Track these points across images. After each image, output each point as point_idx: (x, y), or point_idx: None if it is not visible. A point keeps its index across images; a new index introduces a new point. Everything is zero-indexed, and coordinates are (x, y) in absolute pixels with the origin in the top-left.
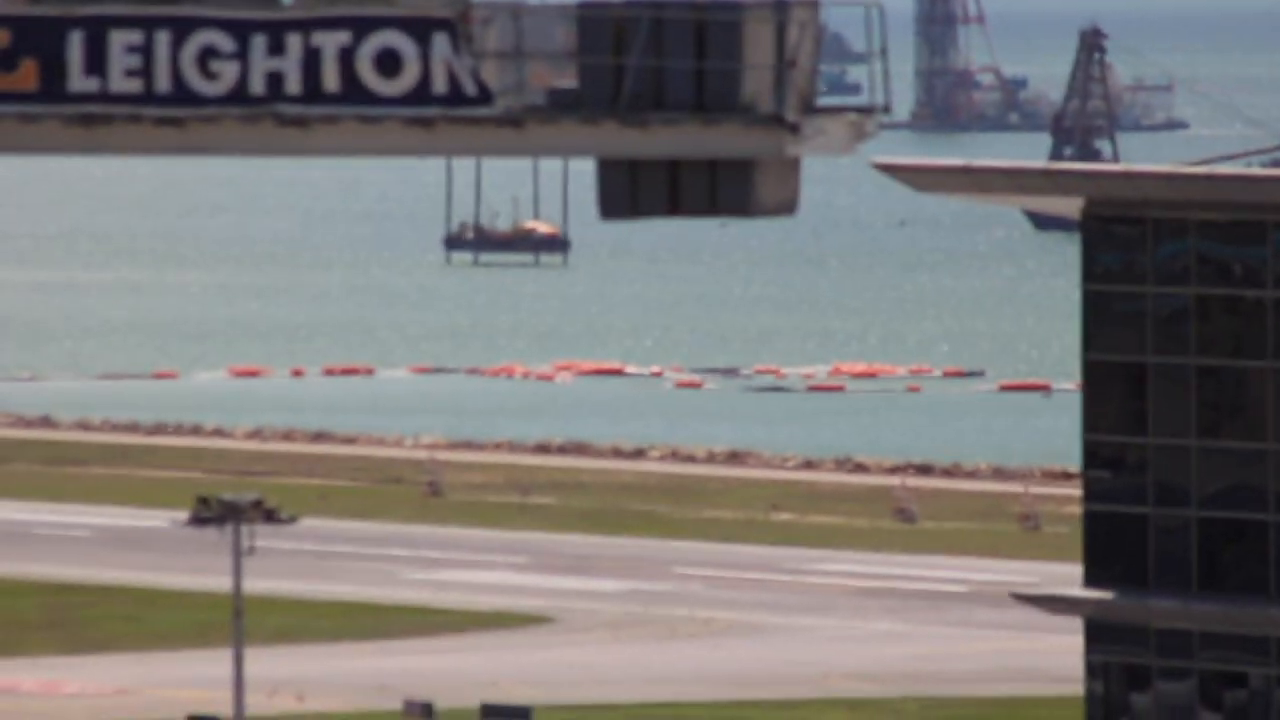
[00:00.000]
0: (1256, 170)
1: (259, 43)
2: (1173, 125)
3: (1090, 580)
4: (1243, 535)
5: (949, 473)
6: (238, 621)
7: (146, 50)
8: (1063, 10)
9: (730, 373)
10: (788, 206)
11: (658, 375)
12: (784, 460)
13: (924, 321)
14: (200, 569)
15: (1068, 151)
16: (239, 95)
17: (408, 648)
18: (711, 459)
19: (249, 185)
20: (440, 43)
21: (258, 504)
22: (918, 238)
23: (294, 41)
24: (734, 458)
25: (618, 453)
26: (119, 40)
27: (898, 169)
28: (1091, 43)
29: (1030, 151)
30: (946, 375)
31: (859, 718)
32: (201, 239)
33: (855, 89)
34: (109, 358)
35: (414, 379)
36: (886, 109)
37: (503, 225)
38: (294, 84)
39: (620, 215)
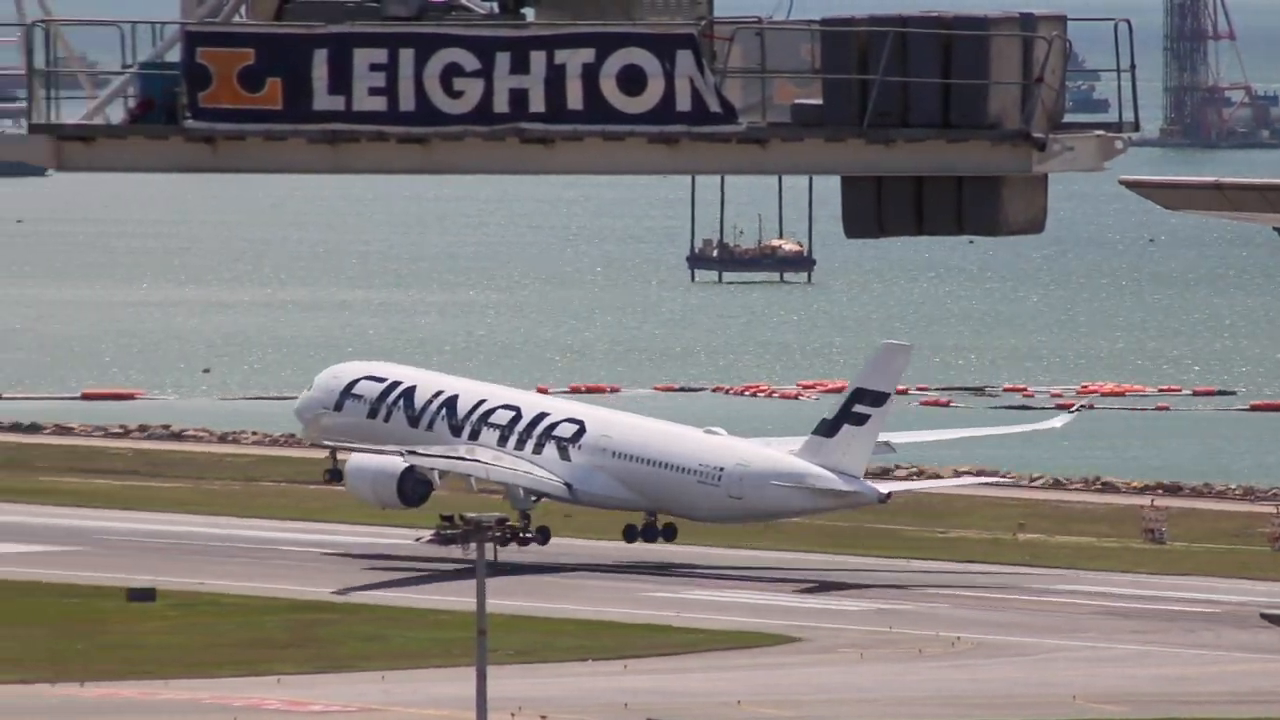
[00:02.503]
0: None
1: (503, 60)
2: None
3: None
4: None
5: (1199, 493)
6: (481, 640)
7: (390, 68)
8: None
9: (977, 391)
10: (1035, 224)
11: (902, 393)
12: (1031, 480)
13: (1174, 340)
14: (444, 588)
15: None
16: (483, 113)
17: (651, 667)
18: (958, 478)
19: (497, 203)
20: (683, 60)
21: (501, 522)
22: (1167, 256)
23: (538, 59)
24: (979, 476)
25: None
26: (363, 58)
27: (1147, 186)
28: None
29: None
30: (1196, 394)
31: None
32: (451, 257)
33: (1103, 105)
34: None
35: (658, 398)
36: (1135, 126)
37: (747, 243)
38: (538, 101)
39: (865, 234)
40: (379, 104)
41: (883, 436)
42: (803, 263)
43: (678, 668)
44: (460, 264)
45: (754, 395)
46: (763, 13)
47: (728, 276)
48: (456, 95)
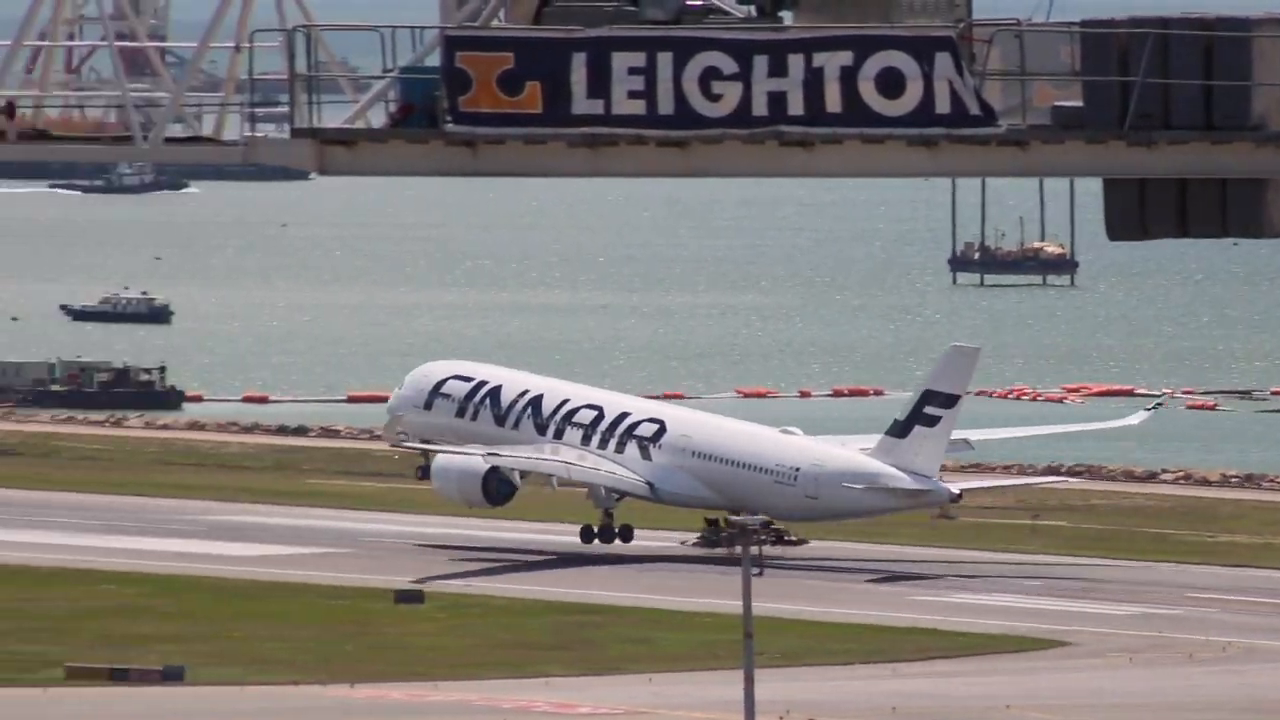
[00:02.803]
0: None
1: (761, 64)
2: None
3: None
4: None
5: None
6: (748, 643)
7: (649, 72)
8: None
9: (1244, 395)
10: None
11: (1170, 397)
12: (1127, 474)
13: None
14: (710, 590)
15: None
16: (741, 116)
17: (918, 670)
18: (1225, 482)
19: (753, 206)
20: (942, 62)
21: (767, 525)
22: None
23: (796, 62)
24: (1249, 481)
25: (1129, 476)
26: (622, 62)
27: None
28: None
29: None
30: None
31: None
32: (714, 260)
33: None
34: (616, 379)
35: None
36: None
37: (1009, 246)
38: (796, 104)
39: (1128, 236)
40: (638, 107)
41: (961, 434)
42: (1065, 265)
43: (945, 671)
44: (721, 267)
45: (1017, 398)
46: (1022, 15)
47: (989, 279)
48: (715, 98)
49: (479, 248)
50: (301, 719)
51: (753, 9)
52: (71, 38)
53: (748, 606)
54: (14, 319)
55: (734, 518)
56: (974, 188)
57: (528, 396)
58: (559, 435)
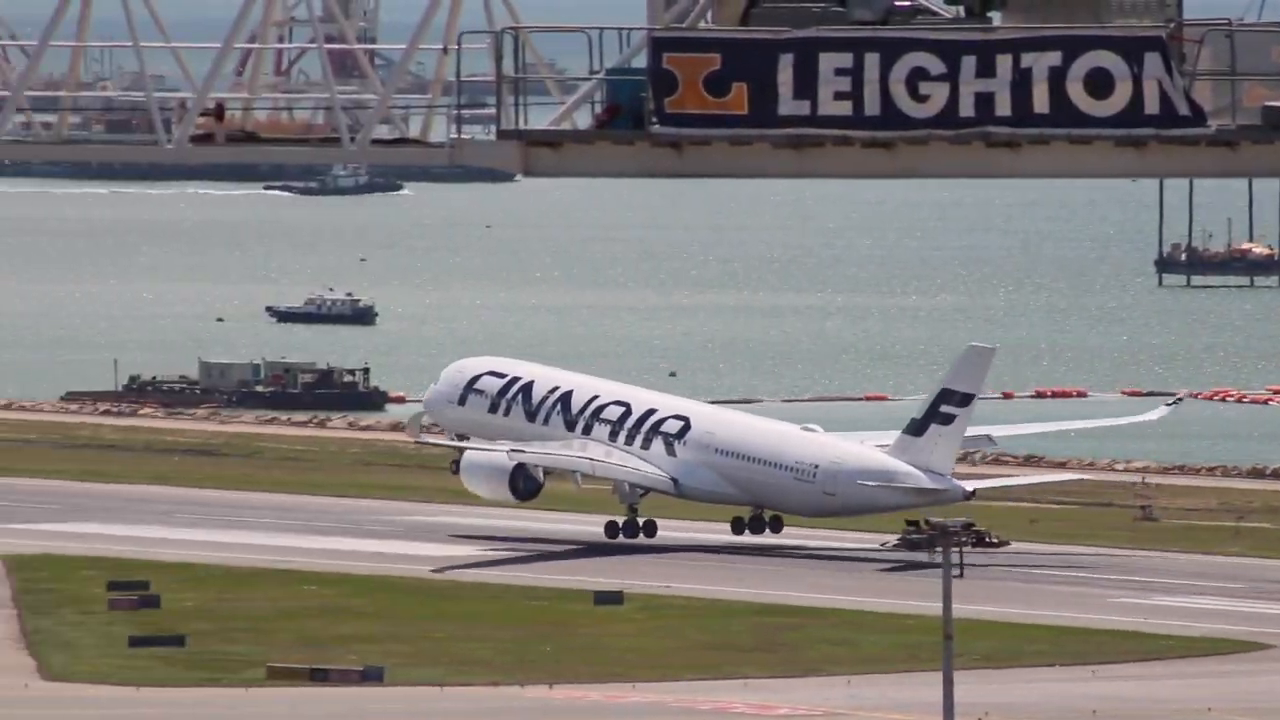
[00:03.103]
0: None
1: (968, 64)
2: None
3: None
4: None
5: None
6: (948, 645)
7: (856, 73)
8: None
9: None
10: None
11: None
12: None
13: None
14: (910, 592)
15: None
16: (948, 117)
17: (1120, 673)
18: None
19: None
20: (1152, 62)
21: (968, 526)
22: None
23: (1004, 63)
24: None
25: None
26: (829, 63)
27: None
28: None
29: None
30: None
31: None
32: (910, 262)
33: None
34: (825, 380)
35: (1126, 402)
36: None
37: (1216, 247)
38: (1004, 105)
39: None
40: (844, 108)
41: (984, 430)
42: (1273, 266)
43: (1147, 674)
44: (925, 269)
45: (1223, 400)
46: (1232, 14)
47: (1196, 280)
48: (922, 99)
49: (683, 249)
50: None
51: (961, 9)
52: (281, 40)
53: (948, 608)
54: (219, 320)
55: (934, 520)
56: (1182, 188)
57: (558, 393)
58: (587, 431)
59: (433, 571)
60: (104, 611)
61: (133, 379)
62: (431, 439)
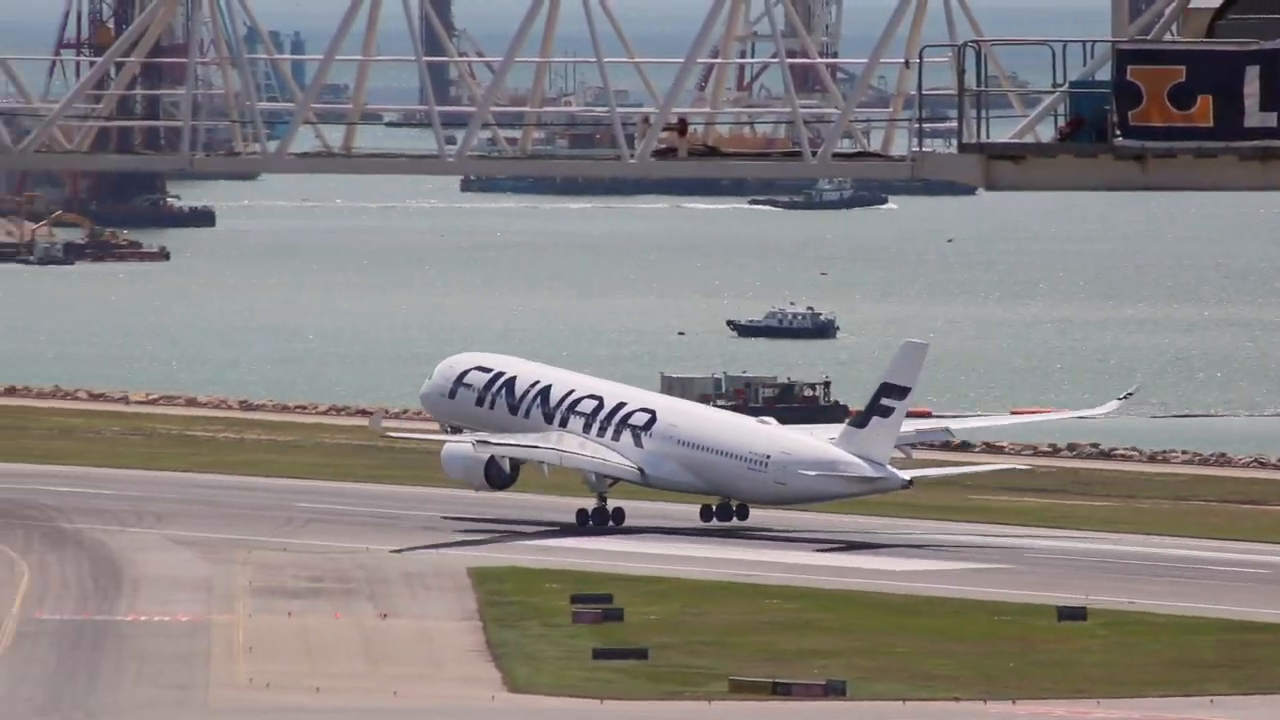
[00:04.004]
0: None
1: None
2: None
3: None
4: None
5: None
6: None
7: None
8: None
9: None
10: None
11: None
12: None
13: None
14: None
15: None
16: None
17: None
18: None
19: None
20: None
21: None
22: None
23: None
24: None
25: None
26: None
27: None
28: None
29: None
30: None
31: None
32: None
33: None
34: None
35: None
36: None
37: None
38: None
39: None
40: None
41: (942, 423)
42: None
43: None
44: None
45: None
46: None
47: None
48: None
49: (1142, 261)
50: None
51: None
52: (743, 55)
53: None
54: (680, 334)
55: None
56: None
57: (538, 387)
58: (564, 423)
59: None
60: (568, 624)
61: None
62: (394, 429)
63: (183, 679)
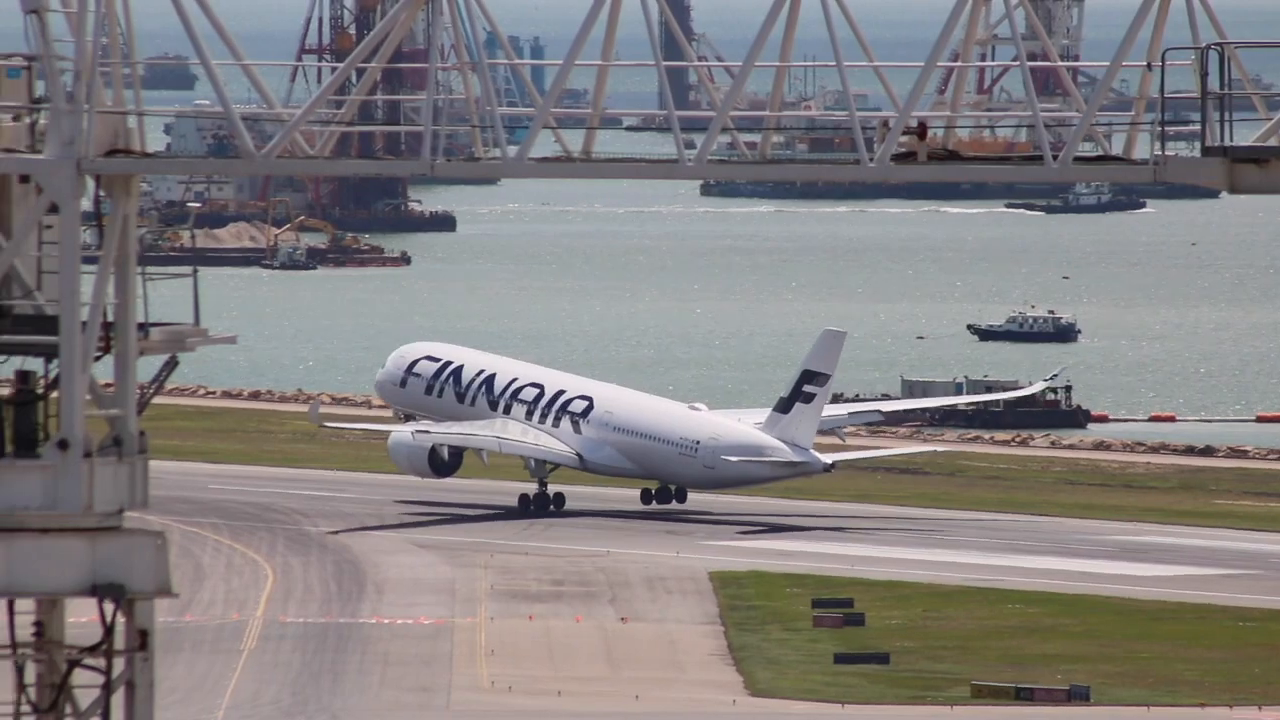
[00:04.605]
0: None
1: None
2: None
3: None
4: None
5: None
6: None
7: None
8: None
9: None
10: None
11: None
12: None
13: None
14: None
15: None
16: None
17: None
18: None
19: None
20: None
21: None
22: None
23: None
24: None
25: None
26: None
27: None
28: None
29: None
30: None
31: None
32: None
33: None
34: None
35: None
36: None
37: None
38: None
39: None
40: None
41: (872, 405)
42: None
43: None
44: None
45: None
46: None
47: None
48: None
49: None
50: None
51: None
52: (984, 58)
53: None
54: (919, 338)
55: None
56: None
57: (483, 376)
58: (507, 411)
59: None
60: (809, 629)
61: (836, 396)
62: (333, 421)
63: (425, 682)
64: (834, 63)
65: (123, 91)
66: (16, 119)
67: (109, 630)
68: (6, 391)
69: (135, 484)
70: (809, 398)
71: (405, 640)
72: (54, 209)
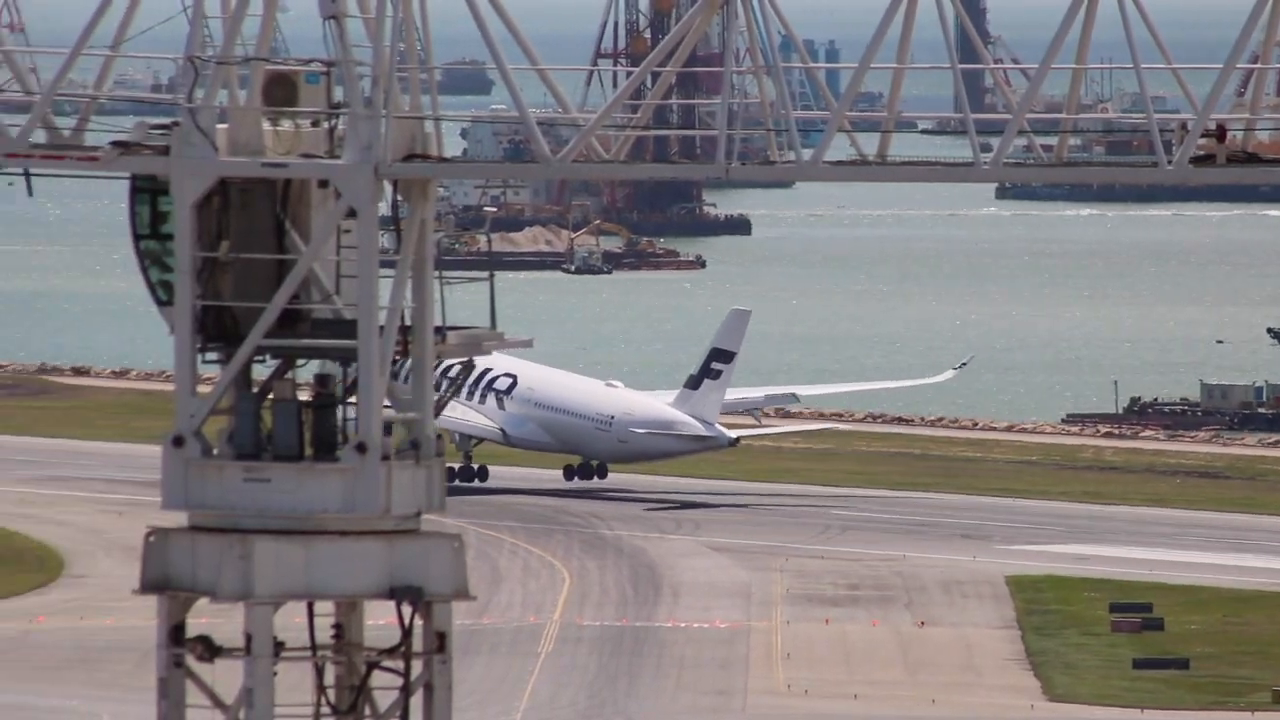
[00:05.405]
0: None
1: None
2: None
3: None
4: None
5: None
6: None
7: None
8: None
9: None
10: None
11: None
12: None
13: None
14: None
15: None
16: None
17: None
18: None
19: None
20: None
21: None
22: None
23: None
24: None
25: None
26: None
27: None
28: None
29: None
30: None
31: None
32: None
33: None
34: None
35: None
36: None
37: None
38: None
39: None
40: None
41: (788, 389)
42: None
43: None
44: None
45: None
46: None
47: None
48: None
49: None
50: None
51: None
52: None
53: None
54: (1219, 342)
55: None
56: None
57: None
58: (436, 388)
59: None
60: (1107, 633)
61: (1133, 401)
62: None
63: (721, 685)
64: (1131, 65)
65: (420, 96)
66: (315, 124)
67: (407, 633)
68: (306, 395)
69: (432, 487)
70: (716, 374)
71: (701, 644)
72: (352, 214)
